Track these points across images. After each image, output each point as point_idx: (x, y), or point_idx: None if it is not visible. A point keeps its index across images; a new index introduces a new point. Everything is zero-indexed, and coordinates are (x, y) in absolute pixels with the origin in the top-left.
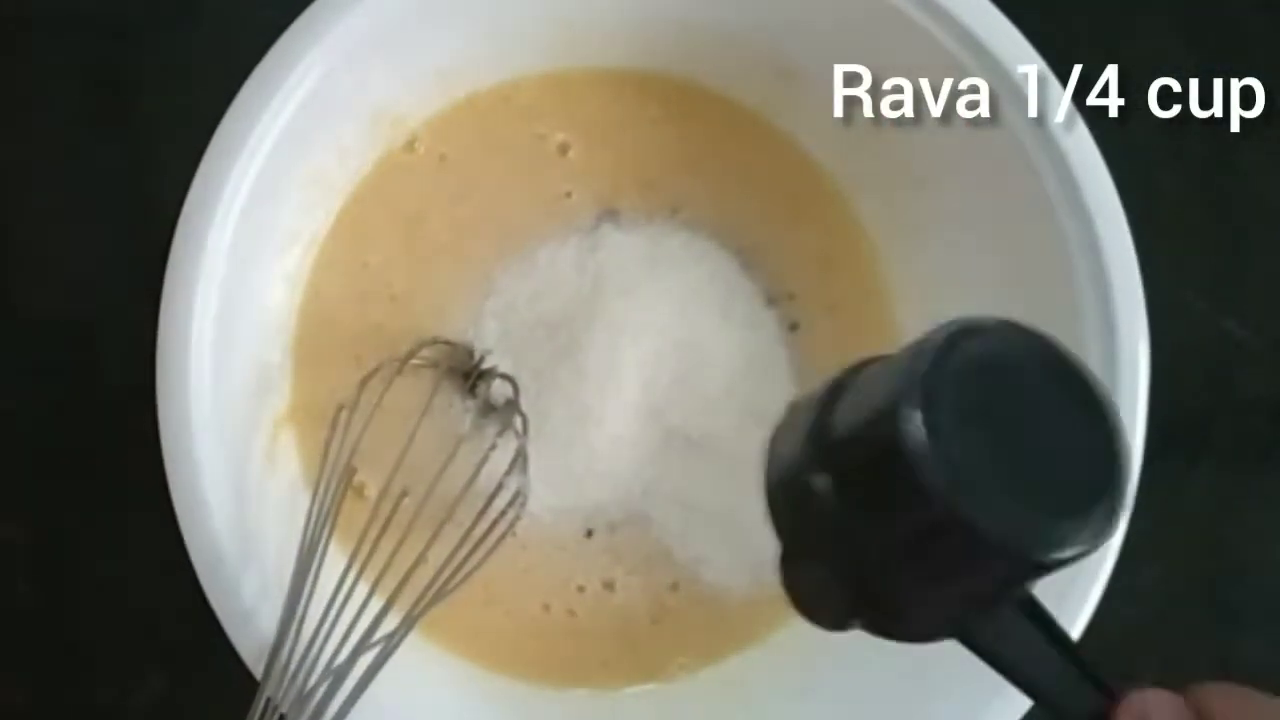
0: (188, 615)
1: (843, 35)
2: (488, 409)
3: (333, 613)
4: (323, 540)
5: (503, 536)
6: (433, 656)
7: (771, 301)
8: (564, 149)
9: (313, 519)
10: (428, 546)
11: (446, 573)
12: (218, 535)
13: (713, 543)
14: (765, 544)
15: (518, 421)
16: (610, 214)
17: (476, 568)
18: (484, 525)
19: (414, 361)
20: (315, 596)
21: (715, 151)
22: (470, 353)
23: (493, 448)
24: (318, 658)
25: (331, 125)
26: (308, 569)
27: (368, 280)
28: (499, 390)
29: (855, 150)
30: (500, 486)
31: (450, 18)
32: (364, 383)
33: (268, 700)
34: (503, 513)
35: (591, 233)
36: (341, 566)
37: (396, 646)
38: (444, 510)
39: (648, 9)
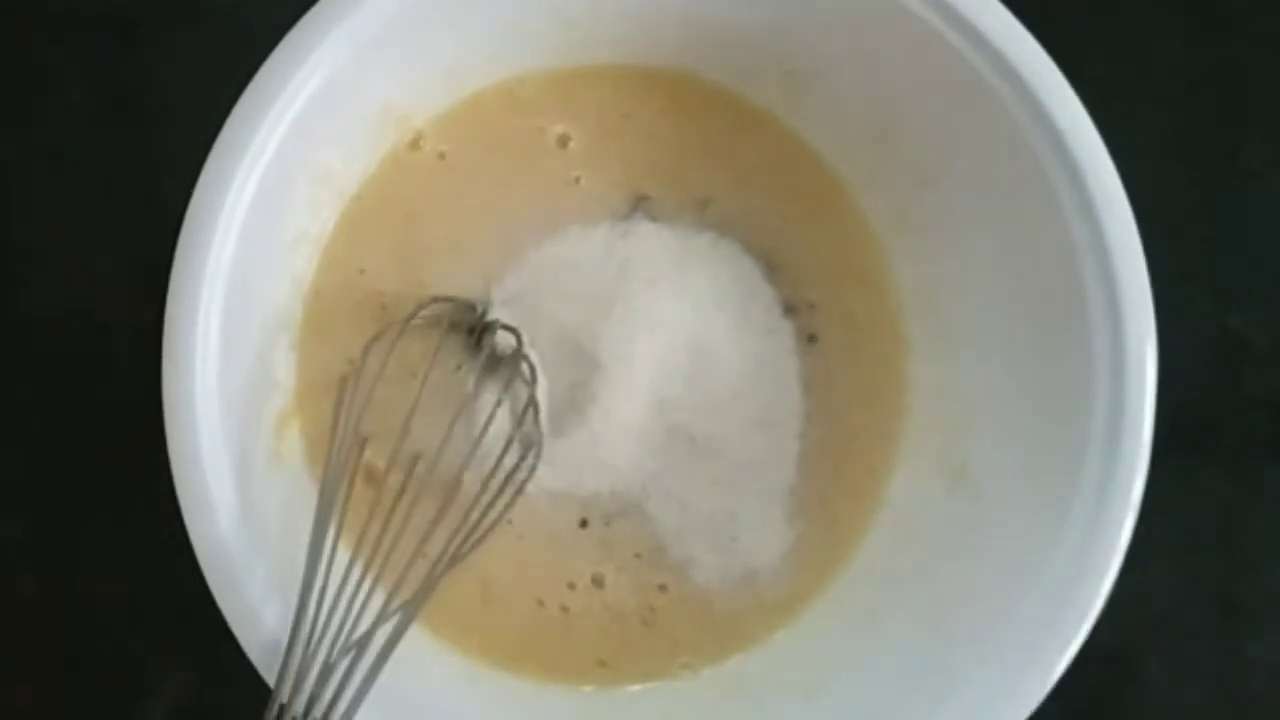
0: (192, 612)
1: (849, 33)
2: (494, 362)
3: (349, 584)
4: (335, 513)
5: (520, 489)
6: (435, 656)
7: (791, 310)
8: (564, 141)
9: (325, 492)
10: (446, 504)
11: (464, 532)
12: (224, 534)
13: (706, 545)
14: (759, 552)
15: (525, 370)
16: (643, 201)
17: (496, 523)
18: (500, 477)
19: (415, 322)
20: (330, 570)
21: (725, 147)
22: (472, 307)
23: (499, 404)
24: (338, 632)
25: (337, 124)
26: (322, 541)
27: (368, 280)
28: (504, 341)
29: (863, 150)
30: (512, 439)
31: (455, 16)
32: (368, 348)
33: (292, 681)
34: (517, 465)
35: (624, 219)
36: (354, 536)
37: (418, 610)
38: (458, 469)
39: (652, 6)
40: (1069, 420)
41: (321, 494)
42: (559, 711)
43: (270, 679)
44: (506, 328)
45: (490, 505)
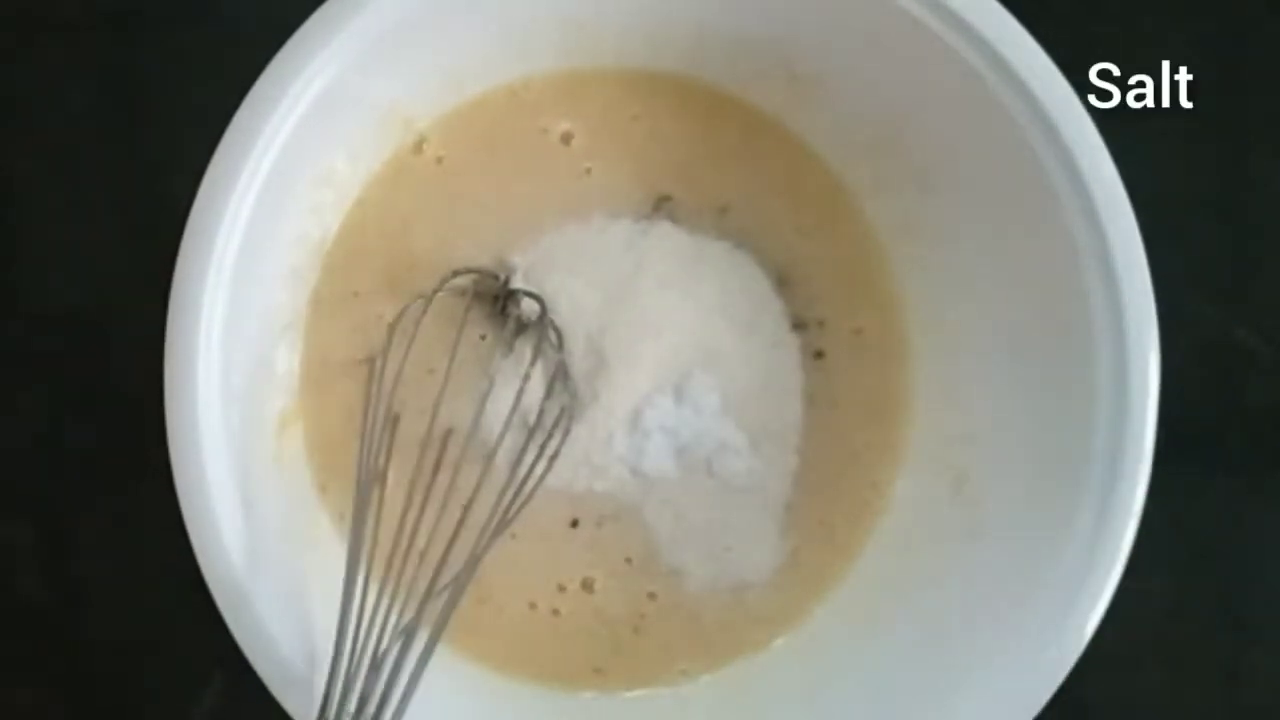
0: (194, 614)
1: (852, 39)
2: (519, 329)
3: (391, 574)
4: (374, 493)
5: (556, 454)
6: (433, 659)
7: (799, 326)
8: (567, 138)
9: (363, 467)
10: (482, 478)
11: (506, 500)
12: (225, 534)
13: (698, 555)
14: (752, 564)
15: (552, 335)
16: (666, 201)
17: (535, 490)
18: (536, 444)
19: (439, 294)
20: (371, 561)
21: (735, 151)
22: (495, 276)
23: (527, 378)
24: (384, 625)
25: (341, 125)
26: (363, 528)
27: (370, 280)
28: (528, 308)
29: (867, 156)
30: (543, 410)
31: (461, 18)
32: (394, 325)
33: (345, 670)
34: (550, 433)
35: (647, 217)
36: (388, 526)
37: (466, 585)
38: (493, 440)
39: (659, 10)
40: (1071, 427)
41: (358, 481)
42: (559, 717)
43: (271, 685)
44: (530, 294)
45: (529, 472)
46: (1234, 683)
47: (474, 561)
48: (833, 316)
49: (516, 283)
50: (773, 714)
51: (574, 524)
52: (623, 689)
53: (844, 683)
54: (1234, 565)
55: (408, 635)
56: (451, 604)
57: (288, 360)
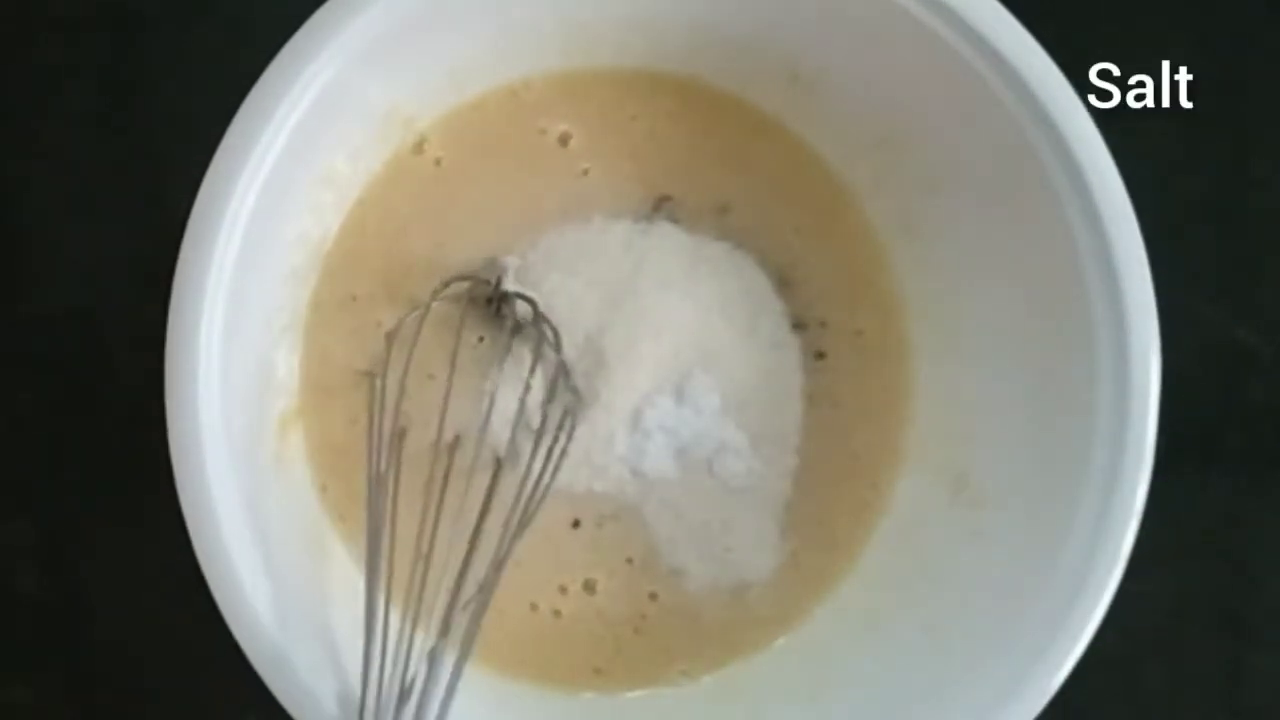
0: (194, 613)
1: (853, 39)
2: (516, 330)
3: (415, 584)
4: (387, 511)
5: (563, 455)
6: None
7: (800, 326)
8: (565, 139)
9: (373, 485)
10: (493, 484)
11: (520, 506)
12: (225, 533)
13: (698, 555)
14: (752, 565)
15: (549, 333)
16: (666, 201)
17: (546, 493)
18: (544, 447)
19: (435, 303)
20: (390, 576)
21: (736, 152)
22: (487, 280)
23: (528, 385)
24: (412, 634)
25: (342, 125)
26: (379, 548)
27: (372, 280)
28: (523, 309)
29: (867, 156)
30: (546, 414)
31: (462, 18)
32: (391, 337)
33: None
34: (555, 436)
35: (647, 218)
36: (409, 534)
37: (490, 598)
38: (503, 445)
39: (659, 10)
40: (1072, 428)
41: (369, 500)
42: (559, 718)
43: (275, 688)
44: (522, 296)
45: (541, 474)
46: (1234, 683)
47: (496, 570)
48: (833, 317)
49: (508, 284)
50: (773, 714)
51: (575, 524)
52: (623, 689)
53: (844, 683)
54: (1234, 565)
55: (433, 657)
56: (477, 619)
57: (288, 362)
